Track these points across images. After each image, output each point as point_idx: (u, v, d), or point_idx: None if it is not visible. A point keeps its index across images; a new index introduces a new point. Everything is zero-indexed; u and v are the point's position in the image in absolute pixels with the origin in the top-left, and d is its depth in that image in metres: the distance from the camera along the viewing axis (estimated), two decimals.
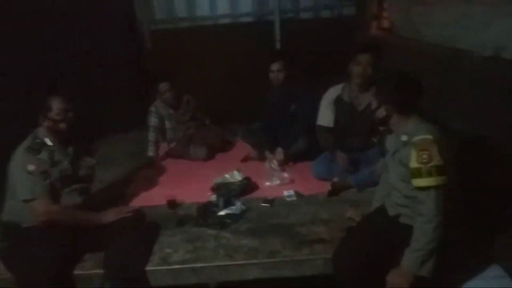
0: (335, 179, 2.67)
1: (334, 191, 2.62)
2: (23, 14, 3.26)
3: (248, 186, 2.76)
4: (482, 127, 2.33)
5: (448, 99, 2.64)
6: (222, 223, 2.39)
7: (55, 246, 1.96)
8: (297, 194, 2.67)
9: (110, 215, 2.18)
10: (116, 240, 2.04)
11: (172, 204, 2.63)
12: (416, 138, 1.68)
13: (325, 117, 2.84)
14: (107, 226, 2.12)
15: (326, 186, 2.68)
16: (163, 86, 3.36)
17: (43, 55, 3.50)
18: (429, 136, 1.66)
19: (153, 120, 3.42)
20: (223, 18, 4.72)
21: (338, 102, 2.81)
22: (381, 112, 1.83)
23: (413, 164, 1.67)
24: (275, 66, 3.14)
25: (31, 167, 2.02)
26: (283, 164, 3.07)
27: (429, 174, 1.63)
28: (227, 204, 2.52)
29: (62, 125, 2.13)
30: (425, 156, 1.63)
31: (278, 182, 2.83)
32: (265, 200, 2.61)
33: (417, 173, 1.66)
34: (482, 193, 2.08)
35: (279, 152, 3.13)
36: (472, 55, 2.49)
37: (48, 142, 2.13)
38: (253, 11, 4.67)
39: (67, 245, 2.03)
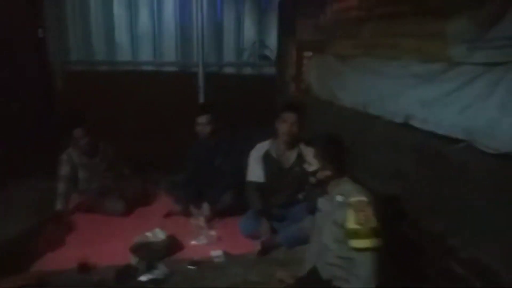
0: (263, 238, 2.64)
1: (264, 250, 2.58)
2: None
3: (172, 246, 2.59)
4: (393, 186, 2.54)
5: (360, 159, 2.85)
6: None
7: None
8: (225, 254, 2.57)
9: (5, 284, 1.84)
10: None
11: (84, 267, 2.32)
12: (353, 199, 1.75)
13: (255, 172, 2.86)
14: None
15: (255, 244, 2.62)
16: (78, 131, 3.08)
17: None
18: (364, 198, 1.74)
19: (64, 169, 3.09)
20: (145, 65, 4.63)
21: (266, 158, 2.86)
22: (324, 173, 1.88)
23: (351, 225, 1.72)
24: (202, 119, 3.13)
25: None
26: (210, 220, 2.96)
27: (367, 235, 1.69)
28: (149, 268, 2.31)
29: None
30: (362, 217, 1.70)
31: (205, 241, 2.70)
32: (191, 262, 2.45)
33: (354, 234, 1.71)
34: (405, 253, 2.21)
35: (206, 208, 3.04)
36: (383, 120, 2.76)
37: None
38: (177, 61, 4.66)
39: None
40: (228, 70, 4.85)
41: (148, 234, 2.63)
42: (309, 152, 2.01)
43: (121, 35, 4.46)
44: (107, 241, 2.73)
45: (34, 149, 3.90)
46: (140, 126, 4.28)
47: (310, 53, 4.01)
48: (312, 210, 2.31)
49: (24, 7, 3.99)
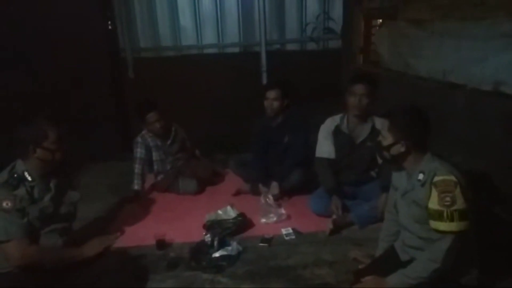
0: (335, 216, 2.55)
1: (336, 229, 2.50)
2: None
3: (243, 223, 2.61)
4: (479, 161, 2.29)
5: (440, 133, 2.61)
6: (217, 266, 2.21)
7: None
8: (296, 232, 2.54)
9: (93, 247, 1.99)
10: (100, 286, 1.83)
11: (161, 244, 2.43)
12: (437, 179, 1.58)
13: (325, 148, 2.75)
14: (88, 270, 1.90)
15: (325, 222, 2.55)
16: (152, 116, 3.19)
17: (24, 81, 3.32)
18: (452, 177, 1.56)
19: (139, 151, 3.23)
20: (209, 48, 4.68)
21: (336, 133, 2.73)
22: (398, 149, 1.73)
23: (434, 205, 1.57)
24: (271, 94, 3.05)
25: (6, 205, 1.80)
26: (278, 199, 2.94)
27: (451, 218, 1.53)
28: (222, 244, 2.35)
29: (58, 155, 1.94)
30: (448, 198, 1.54)
31: (275, 219, 2.69)
32: (263, 240, 2.46)
33: (437, 216, 1.56)
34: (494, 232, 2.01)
35: (274, 186, 3.01)
36: (466, 88, 2.50)
37: (28, 176, 1.92)
38: (239, 42, 4.65)
39: None
40: (292, 46, 4.73)
41: (220, 211, 2.68)
42: (383, 126, 1.85)
43: (185, 20, 4.54)
44: (181, 219, 2.83)
45: (112, 134, 4.18)
46: (207, 108, 4.37)
47: (379, 21, 3.75)
48: (386, 188, 2.16)
49: (94, 1, 4.19)
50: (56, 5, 3.70)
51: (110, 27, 4.38)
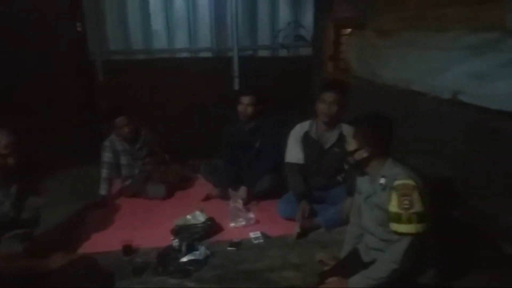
0: (303, 220, 2.59)
1: (303, 232, 2.54)
2: None
3: (212, 228, 2.61)
4: (439, 166, 2.39)
5: (403, 139, 2.71)
6: (185, 270, 2.20)
7: None
8: (264, 235, 2.55)
9: (56, 260, 1.92)
10: None
11: (128, 249, 2.38)
12: (397, 183, 1.65)
13: (295, 154, 2.79)
14: (53, 277, 1.85)
15: (293, 226, 2.59)
16: (121, 120, 3.14)
17: None
18: (411, 182, 1.63)
19: (107, 156, 3.18)
20: (181, 52, 4.65)
21: (305, 139, 2.78)
22: (361, 154, 1.79)
23: (394, 208, 1.63)
24: (245, 99, 3.08)
25: None
26: (247, 203, 2.95)
27: (409, 221, 1.60)
28: (190, 249, 2.34)
29: (11, 160, 1.89)
30: (406, 202, 1.60)
31: (243, 223, 2.70)
32: (231, 244, 2.46)
33: (396, 218, 1.63)
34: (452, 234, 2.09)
35: (243, 190, 3.03)
36: (428, 97, 2.60)
37: None
38: (212, 47, 4.65)
39: None
40: (264, 53, 4.77)
41: (188, 216, 2.67)
42: (349, 132, 1.92)
43: (157, 23, 4.49)
44: (149, 224, 2.79)
45: (78, 138, 4.07)
46: (178, 112, 4.33)
47: (348, 30, 3.86)
48: (351, 192, 2.23)
49: (63, 1, 4.10)
50: (22, 3, 3.59)
51: (79, 29, 4.28)
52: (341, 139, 2.63)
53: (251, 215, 2.76)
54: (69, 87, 4.12)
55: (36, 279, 1.83)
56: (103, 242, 2.53)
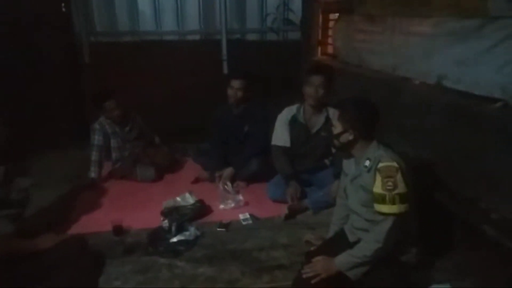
0: (290, 202, 2.65)
1: (291, 214, 2.61)
2: None
3: (201, 209, 2.65)
4: (424, 149, 2.47)
5: (389, 122, 2.77)
6: (175, 250, 2.25)
7: None
8: (253, 217, 2.61)
9: (47, 240, 1.95)
10: (56, 272, 1.82)
11: (118, 230, 2.42)
12: (381, 165, 1.70)
13: (281, 137, 2.83)
14: (45, 257, 1.88)
15: (282, 208, 2.65)
16: (109, 104, 3.14)
17: None
18: (394, 164, 1.69)
19: (97, 139, 3.18)
20: (168, 35, 4.61)
21: (293, 122, 2.82)
22: (347, 137, 1.84)
23: (378, 189, 1.69)
24: (236, 83, 3.08)
25: None
26: (232, 183, 2.97)
27: (393, 201, 1.66)
28: (179, 230, 2.39)
29: None
30: (390, 183, 1.66)
31: (232, 205, 2.75)
32: (221, 225, 2.51)
33: (380, 199, 1.69)
34: (434, 215, 2.18)
35: (228, 171, 3.08)
36: (413, 82, 2.66)
37: None
38: (200, 29, 4.62)
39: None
40: (252, 36, 4.77)
41: (178, 198, 2.71)
42: (335, 115, 1.96)
43: (144, 4, 4.44)
44: (139, 206, 2.82)
45: (66, 121, 4.04)
46: (166, 95, 4.31)
47: (336, 15, 3.87)
48: (338, 175, 2.29)
49: None
50: None
51: (64, 9, 4.19)
52: (327, 122, 2.67)
53: (240, 197, 2.81)
54: (55, 68, 4.06)
55: (27, 259, 1.86)
56: (93, 223, 2.56)
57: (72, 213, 2.70)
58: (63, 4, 4.17)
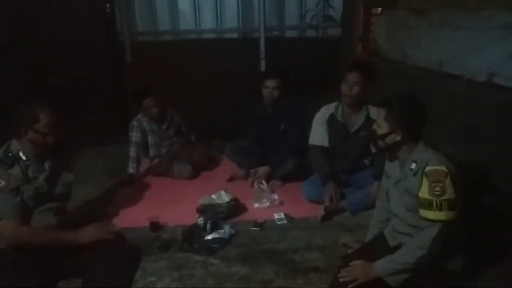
0: (327, 203, 2.58)
1: (327, 215, 2.53)
2: None
3: (236, 208, 2.64)
4: (471, 151, 2.31)
5: (435, 123, 2.62)
6: (209, 248, 2.25)
7: (26, 273, 1.77)
8: (288, 217, 2.57)
9: (87, 233, 1.98)
10: (95, 266, 1.86)
11: (155, 226, 2.45)
12: (429, 168, 1.59)
13: (319, 136, 2.76)
14: (84, 251, 1.93)
15: (317, 208, 2.59)
16: (148, 101, 3.21)
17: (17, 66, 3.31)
18: (443, 168, 1.58)
19: (135, 135, 3.25)
20: (207, 33, 4.64)
21: (331, 121, 2.74)
22: (394, 138, 1.74)
23: (424, 194, 1.59)
24: (271, 83, 3.04)
25: (0, 183, 1.82)
26: (267, 182, 2.93)
27: (440, 208, 1.55)
28: (214, 228, 2.38)
29: (50, 138, 1.96)
30: (438, 188, 1.55)
31: (267, 204, 2.72)
32: (255, 224, 2.49)
33: (427, 205, 1.58)
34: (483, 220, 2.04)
35: (263, 169, 3.04)
36: (462, 79, 2.50)
37: (22, 156, 1.93)
38: (238, 27, 4.61)
39: (40, 271, 1.83)
40: (291, 33, 4.69)
41: (214, 196, 2.70)
42: (379, 115, 1.85)
43: (184, 3, 4.49)
44: (175, 203, 2.85)
45: (107, 118, 4.18)
46: (204, 93, 4.35)
47: (378, 10, 3.73)
48: (378, 176, 2.18)
49: None
50: None
51: (108, 10, 4.33)
52: (367, 122, 2.57)
53: (275, 196, 2.77)
54: (98, 67, 4.20)
55: (69, 251, 1.91)
56: (131, 219, 2.61)
57: (111, 207, 2.77)
58: (107, 5, 4.31)
